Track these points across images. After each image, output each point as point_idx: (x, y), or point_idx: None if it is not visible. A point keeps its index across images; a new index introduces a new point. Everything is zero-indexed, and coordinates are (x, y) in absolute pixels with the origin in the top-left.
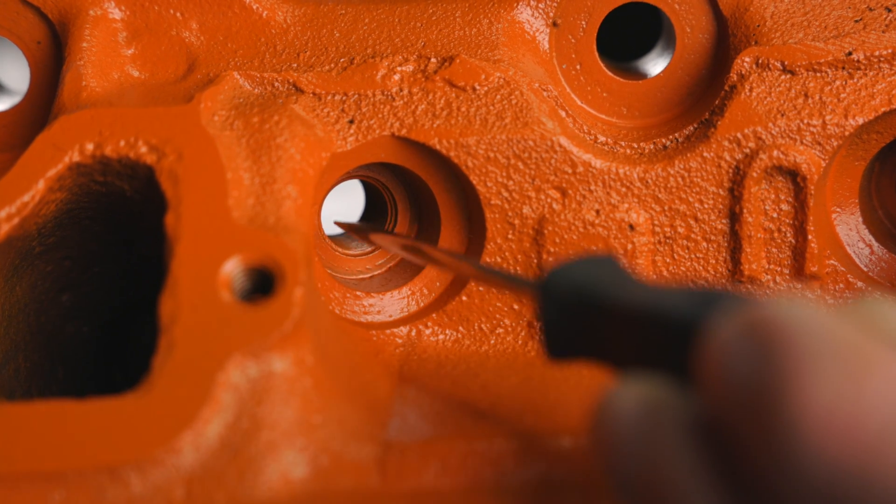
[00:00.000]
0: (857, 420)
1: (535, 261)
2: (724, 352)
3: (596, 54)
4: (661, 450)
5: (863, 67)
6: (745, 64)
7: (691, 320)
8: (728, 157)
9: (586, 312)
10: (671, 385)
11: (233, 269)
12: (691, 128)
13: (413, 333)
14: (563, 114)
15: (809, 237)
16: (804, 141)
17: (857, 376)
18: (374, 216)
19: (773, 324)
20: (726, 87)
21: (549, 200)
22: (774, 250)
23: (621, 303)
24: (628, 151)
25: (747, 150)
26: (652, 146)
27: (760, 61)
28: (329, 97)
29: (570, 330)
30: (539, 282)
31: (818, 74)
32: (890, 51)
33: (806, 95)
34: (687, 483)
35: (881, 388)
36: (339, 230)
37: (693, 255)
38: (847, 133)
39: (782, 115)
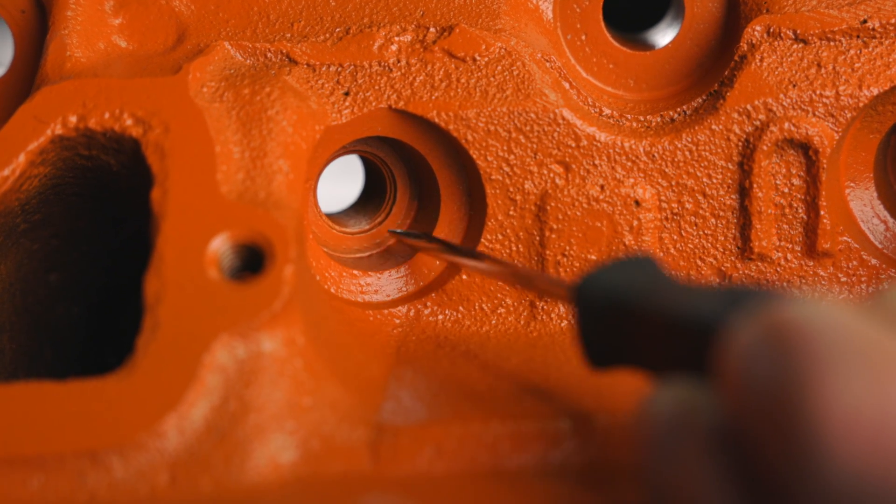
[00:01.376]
0: (883, 425)
1: (538, 238)
2: (743, 355)
3: (602, 24)
4: (688, 453)
5: (878, 36)
6: (755, 33)
7: (712, 322)
8: (737, 130)
9: (621, 319)
10: (704, 388)
11: (220, 246)
12: (700, 100)
13: (411, 313)
14: (566, 85)
15: (822, 213)
16: (817, 113)
17: (883, 379)
18: (373, 193)
19: (793, 325)
20: (736, 58)
21: (551, 175)
22: (785, 227)
23: (652, 308)
24: (634, 125)
25: (757, 123)
26: (659, 119)
27: (772, 30)
28: (324, 68)
29: (608, 337)
30: (574, 286)
31: (832, 43)
32: None
33: (819, 65)
34: (710, 488)
35: None
36: (334, 208)
37: (701, 232)
38: (861, 104)
39: (794, 86)
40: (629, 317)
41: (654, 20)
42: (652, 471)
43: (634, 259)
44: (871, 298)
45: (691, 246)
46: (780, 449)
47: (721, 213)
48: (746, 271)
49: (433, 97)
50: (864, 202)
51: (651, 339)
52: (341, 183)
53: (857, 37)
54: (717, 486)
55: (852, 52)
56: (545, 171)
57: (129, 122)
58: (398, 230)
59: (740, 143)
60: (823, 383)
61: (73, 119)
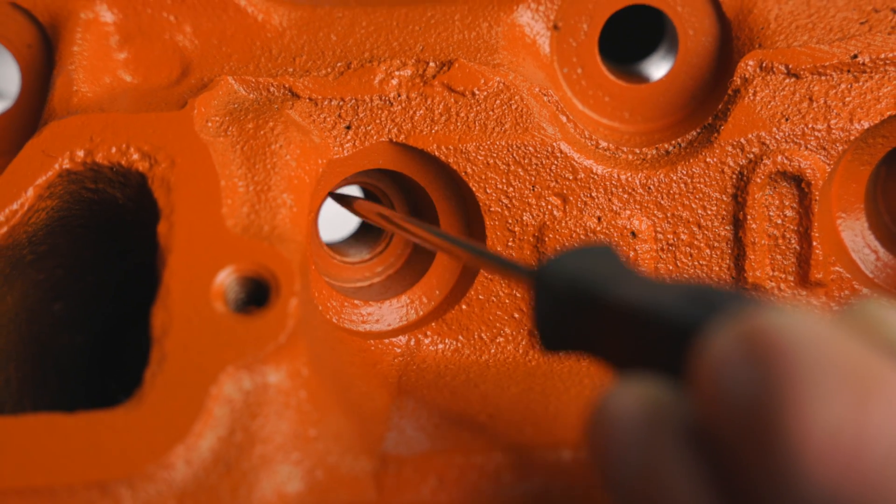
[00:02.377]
0: (861, 446)
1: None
2: (720, 362)
3: (598, 58)
4: (659, 458)
5: (868, 70)
6: (748, 67)
7: (688, 323)
8: (732, 163)
9: (582, 305)
10: (669, 387)
11: (226, 279)
12: (694, 133)
13: (412, 343)
14: (563, 119)
15: (814, 243)
16: (809, 146)
17: (861, 398)
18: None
19: (772, 334)
20: (730, 91)
21: (549, 207)
22: (779, 257)
23: (617, 298)
24: (630, 157)
25: (751, 156)
26: (654, 151)
27: (764, 65)
28: (326, 102)
29: (565, 322)
30: (534, 270)
31: (823, 78)
32: None
33: (811, 99)
34: (684, 488)
35: (886, 412)
36: (334, 238)
37: (696, 263)
38: (852, 137)
39: (786, 120)
40: (590, 304)
41: (647, 52)
42: (620, 473)
43: (596, 247)
44: (841, 312)
45: (686, 276)
46: (757, 460)
47: (716, 244)
48: None
49: (433, 131)
50: (855, 233)
51: (612, 329)
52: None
53: (848, 71)
54: (690, 486)
55: (843, 86)
56: (543, 203)
57: (135, 156)
58: (340, 193)
59: (734, 176)
60: (802, 400)
61: (80, 153)
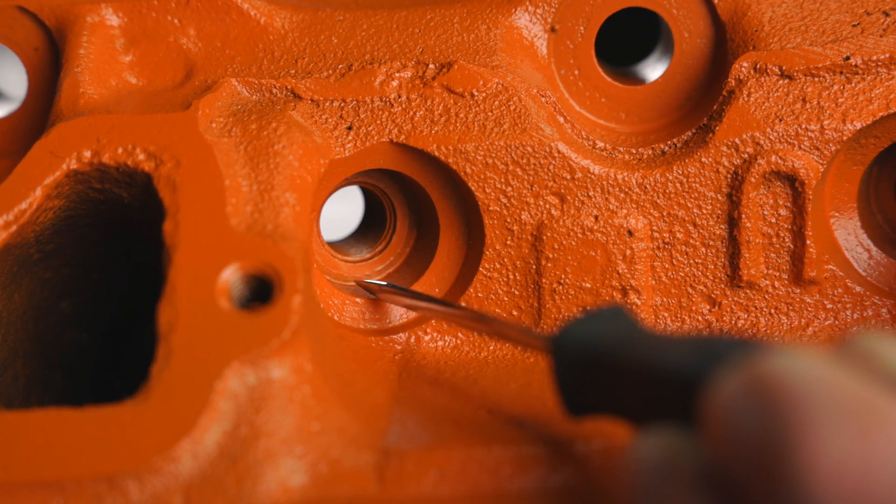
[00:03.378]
0: (867, 477)
1: (534, 266)
2: (728, 408)
3: (594, 59)
4: (676, 494)
5: (861, 72)
6: (743, 69)
7: (696, 374)
8: (726, 163)
9: (598, 370)
10: (685, 435)
11: (231, 276)
12: (689, 133)
13: (412, 340)
14: (561, 119)
15: (808, 242)
16: (802, 146)
17: (865, 431)
18: (374, 223)
19: (776, 378)
20: (724, 93)
21: (547, 206)
22: (773, 255)
23: (629, 359)
24: (627, 157)
25: (745, 156)
26: (650, 152)
27: (758, 66)
28: (327, 104)
29: (585, 388)
30: (550, 340)
31: (816, 79)
32: (888, 55)
33: (804, 100)
34: None
35: (889, 443)
36: (336, 236)
37: (692, 261)
38: (845, 138)
39: (780, 121)
40: (607, 368)
41: (643, 54)
42: None
43: (608, 310)
44: (840, 346)
45: (682, 274)
46: (768, 495)
47: (711, 243)
48: (735, 298)
49: (433, 131)
50: (848, 231)
51: (630, 389)
52: (337, 205)
53: (841, 73)
54: None
55: (836, 87)
56: (541, 203)
57: (141, 156)
58: (367, 281)
59: (729, 176)
60: (808, 437)
61: (87, 154)
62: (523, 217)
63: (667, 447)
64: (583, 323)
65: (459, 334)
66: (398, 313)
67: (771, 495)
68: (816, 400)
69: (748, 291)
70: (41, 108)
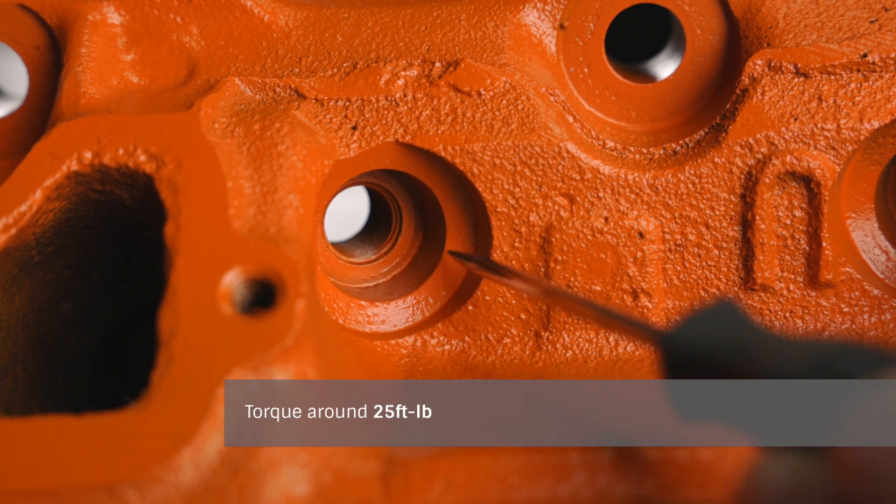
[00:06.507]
0: None
1: (543, 269)
2: (868, 464)
3: (604, 57)
4: None
5: (878, 69)
6: (757, 67)
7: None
8: (740, 163)
9: (713, 375)
10: (811, 457)
11: (233, 281)
12: (702, 132)
13: (418, 343)
14: (570, 119)
15: (824, 244)
16: (818, 146)
17: None
18: (379, 224)
19: None
20: (738, 91)
21: (556, 208)
22: (788, 258)
23: (748, 369)
24: (637, 157)
25: (760, 156)
26: (662, 151)
27: (773, 64)
28: (332, 103)
29: (704, 391)
30: (665, 336)
31: (832, 77)
32: None
33: (820, 99)
34: None
35: None
36: (340, 238)
37: (704, 263)
38: (862, 137)
39: (795, 120)
40: (724, 375)
41: (654, 51)
42: None
43: (721, 306)
44: None
45: (694, 277)
46: None
47: (724, 245)
48: (749, 302)
49: (439, 131)
50: (865, 233)
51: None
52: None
53: (858, 70)
54: None
55: (853, 85)
56: (550, 204)
57: (142, 157)
58: (458, 252)
59: (743, 176)
60: None
61: (88, 155)
62: (532, 218)
63: (791, 471)
64: (697, 321)
65: (466, 338)
66: (403, 317)
67: None
68: None
69: (762, 294)
70: (42, 108)
